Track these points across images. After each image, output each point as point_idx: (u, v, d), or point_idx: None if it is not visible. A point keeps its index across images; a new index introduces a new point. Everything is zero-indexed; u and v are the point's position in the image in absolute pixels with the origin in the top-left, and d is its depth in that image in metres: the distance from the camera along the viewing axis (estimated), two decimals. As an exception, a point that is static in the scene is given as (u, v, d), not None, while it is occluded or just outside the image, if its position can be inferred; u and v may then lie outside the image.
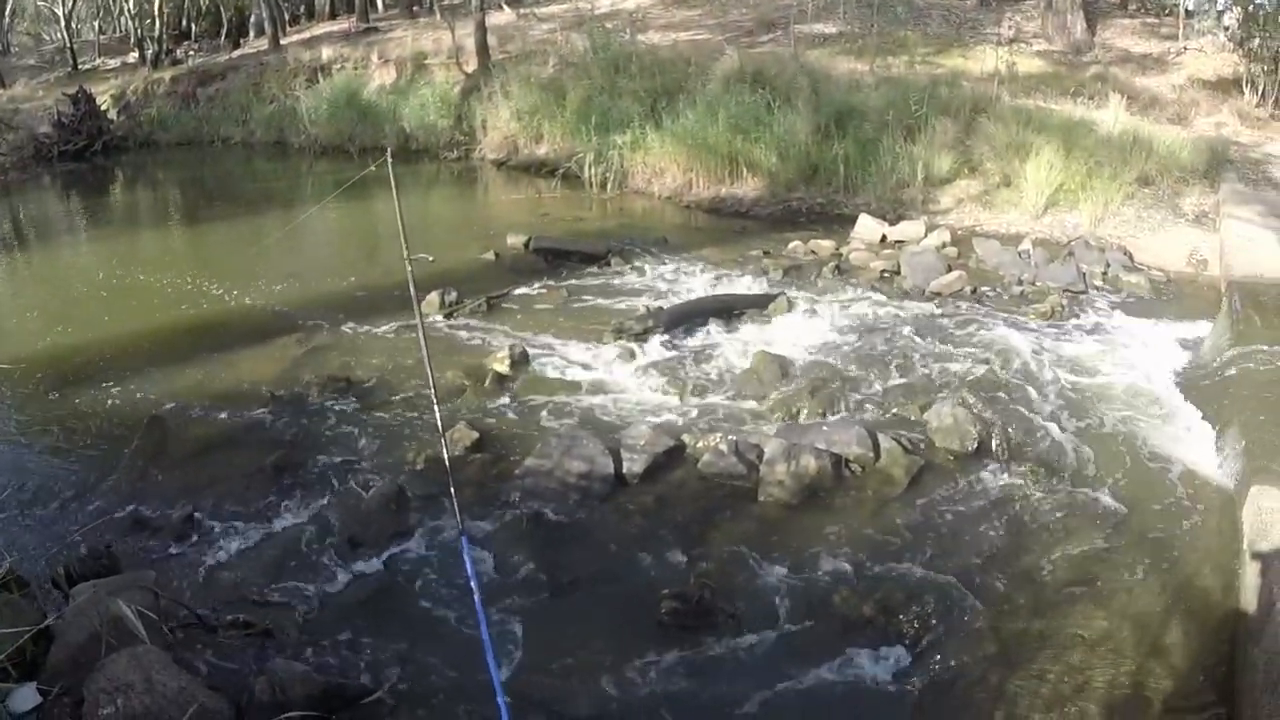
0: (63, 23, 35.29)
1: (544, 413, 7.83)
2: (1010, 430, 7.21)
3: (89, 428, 7.88)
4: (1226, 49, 19.04)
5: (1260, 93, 17.20)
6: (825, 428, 7.14)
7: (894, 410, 7.71)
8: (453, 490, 4.80)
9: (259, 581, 5.72)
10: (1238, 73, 18.10)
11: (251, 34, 32.85)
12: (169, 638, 4.92)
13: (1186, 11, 21.28)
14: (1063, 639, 5.13)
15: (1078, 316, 9.80)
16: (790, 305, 9.88)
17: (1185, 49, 20.02)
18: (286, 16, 33.52)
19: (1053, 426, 7.36)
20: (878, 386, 8.18)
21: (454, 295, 10.24)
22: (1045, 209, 12.96)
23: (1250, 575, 5.25)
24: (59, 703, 4.24)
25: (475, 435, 7.22)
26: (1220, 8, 21.60)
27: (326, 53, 25.09)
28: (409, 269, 5.15)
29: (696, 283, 11.08)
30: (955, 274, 10.78)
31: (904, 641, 5.15)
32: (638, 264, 11.85)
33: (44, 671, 4.46)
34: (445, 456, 5.09)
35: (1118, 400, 7.87)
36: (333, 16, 33.85)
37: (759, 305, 9.92)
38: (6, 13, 35.99)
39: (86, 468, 7.19)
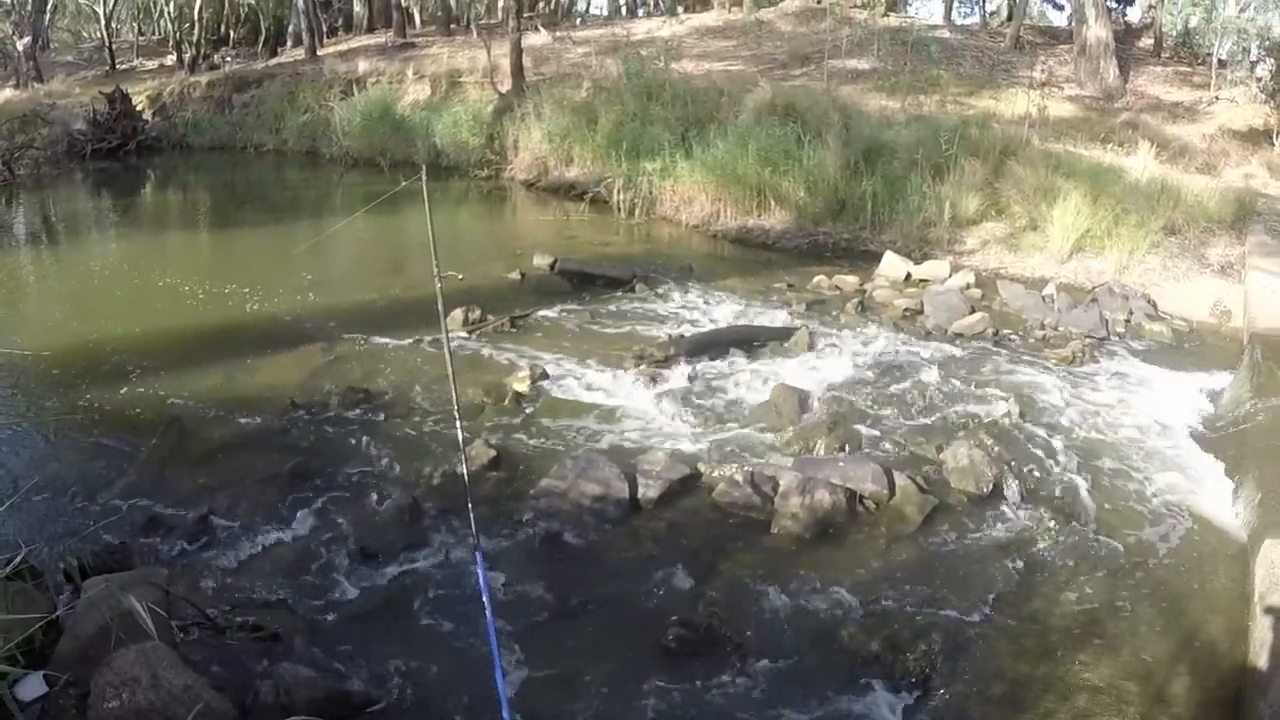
0: (103, 22, 35.70)
1: (561, 434, 7.84)
2: (1026, 474, 7.22)
3: (108, 422, 7.91)
4: (1258, 100, 19.05)
5: (1291, 145, 17.19)
6: (841, 463, 7.13)
7: (910, 449, 7.71)
8: (471, 506, 4.81)
9: (269, 585, 5.74)
10: (1269, 124, 18.14)
11: (289, 43, 33.17)
12: (177, 636, 4.94)
13: (1219, 61, 21.29)
14: (1069, 684, 5.11)
15: (1099, 363, 9.79)
16: (812, 339, 9.89)
17: (1217, 99, 20.04)
18: (324, 28, 33.79)
19: (1068, 472, 7.36)
20: (895, 424, 8.18)
21: (478, 313, 10.29)
22: (1071, 254, 12.97)
23: (1260, 629, 5.22)
24: (65, 693, 4.27)
25: (492, 453, 7.23)
26: (1253, 59, 21.61)
27: (363, 66, 25.32)
28: (438, 285, 5.18)
29: (720, 312, 11.12)
30: (978, 315, 10.79)
31: (910, 680, 5.13)
32: (662, 291, 11.89)
33: (52, 662, 4.49)
34: (464, 473, 5.10)
35: (1135, 448, 7.86)
36: (370, 30, 34.12)
37: (781, 338, 9.93)
38: (47, 9, 36.33)
39: (104, 462, 7.22)
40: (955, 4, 29.21)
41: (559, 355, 9.49)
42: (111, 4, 36.01)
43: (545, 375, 8.83)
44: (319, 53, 28.99)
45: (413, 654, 5.17)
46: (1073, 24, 23.07)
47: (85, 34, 44.43)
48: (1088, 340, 10.32)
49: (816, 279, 12.45)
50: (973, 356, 9.82)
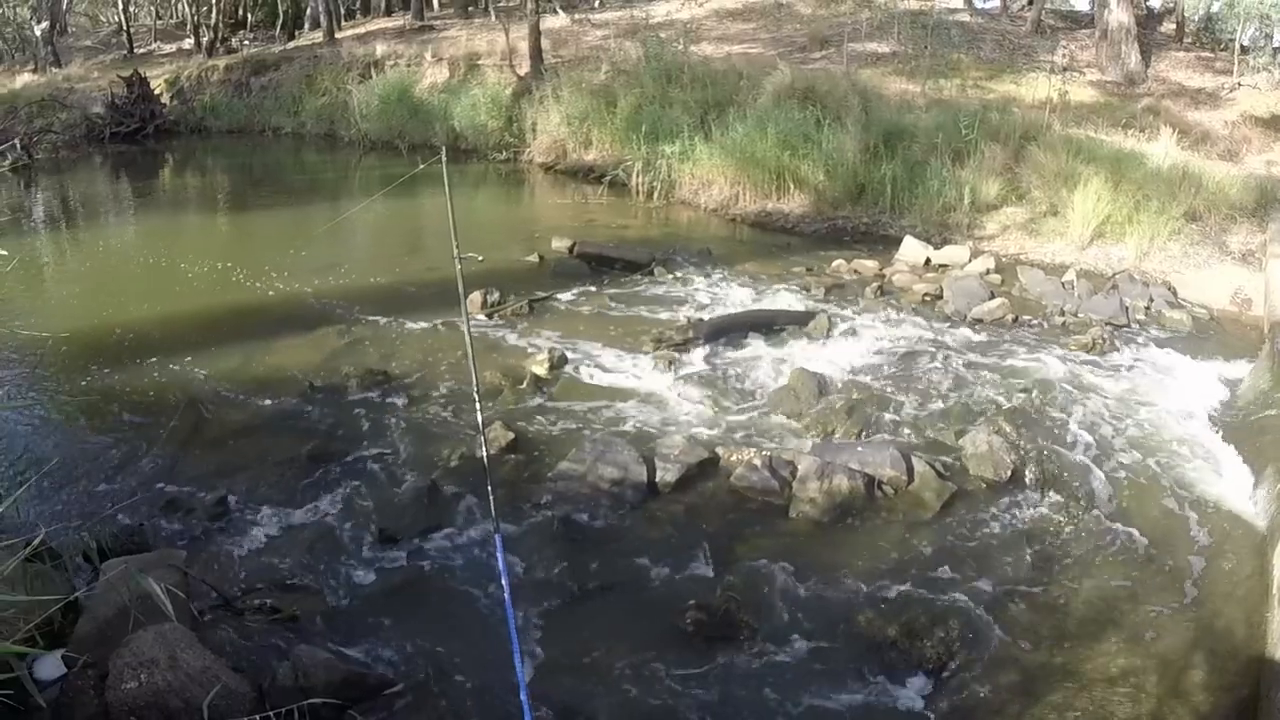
0: (120, 6, 35.73)
1: (580, 417, 7.84)
2: (1044, 461, 7.17)
3: (127, 405, 7.95)
4: (1281, 86, 18.88)
5: (1315, 133, 17.03)
6: (860, 448, 7.10)
7: (929, 434, 7.68)
8: (490, 489, 4.81)
9: (287, 567, 5.77)
10: (1291, 111, 17.96)
11: (306, 26, 33.21)
12: (196, 617, 4.96)
13: (1242, 47, 21.09)
14: (1085, 674, 5.09)
15: (1118, 350, 9.72)
16: (831, 324, 9.85)
17: (1239, 85, 19.83)
18: (342, 11, 33.80)
19: (1087, 460, 7.31)
20: (914, 410, 8.14)
21: (496, 295, 10.27)
22: (1091, 240, 12.87)
23: (1278, 621, 5.20)
24: (83, 674, 4.29)
25: (511, 436, 7.23)
26: (1276, 45, 21.40)
27: (380, 48, 25.27)
28: (458, 267, 5.17)
29: (738, 296, 11.08)
30: (998, 301, 10.73)
31: (926, 666, 5.12)
32: (681, 274, 11.85)
33: (70, 643, 4.52)
34: (484, 456, 5.09)
35: (1154, 436, 7.81)
36: (388, 13, 34.15)
37: (800, 322, 9.89)
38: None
39: (123, 444, 7.26)
40: (976, -13, 28.98)
41: (577, 338, 9.48)
42: (130, -13, 36.11)
43: (564, 358, 8.81)
44: (337, 36, 28.96)
45: (431, 637, 5.19)
46: (1094, 8, 22.85)
47: (103, 18, 44.50)
48: (1108, 327, 10.24)
49: (835, 263, 12.40)
50: (992, 342, 9.77)
